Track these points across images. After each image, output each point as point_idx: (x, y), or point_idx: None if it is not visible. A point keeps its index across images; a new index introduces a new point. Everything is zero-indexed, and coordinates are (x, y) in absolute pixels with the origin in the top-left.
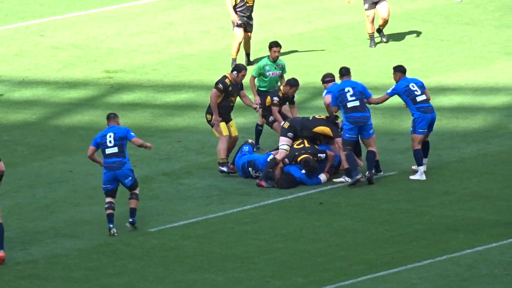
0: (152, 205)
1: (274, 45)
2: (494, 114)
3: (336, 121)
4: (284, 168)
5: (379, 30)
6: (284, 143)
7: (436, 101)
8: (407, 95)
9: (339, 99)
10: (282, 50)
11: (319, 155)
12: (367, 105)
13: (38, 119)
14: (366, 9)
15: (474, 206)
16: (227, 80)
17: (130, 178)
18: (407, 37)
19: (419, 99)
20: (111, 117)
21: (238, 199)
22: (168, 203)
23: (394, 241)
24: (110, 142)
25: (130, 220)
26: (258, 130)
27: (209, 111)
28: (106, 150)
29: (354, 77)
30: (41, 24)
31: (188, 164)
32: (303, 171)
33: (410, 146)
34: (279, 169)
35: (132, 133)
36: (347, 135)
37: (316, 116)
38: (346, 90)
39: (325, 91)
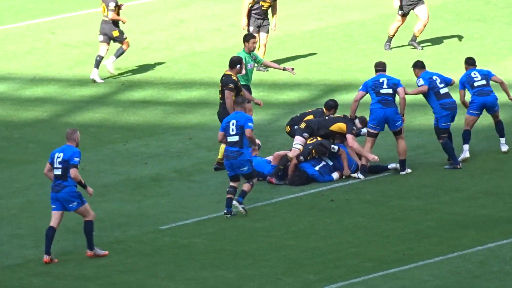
0: (164, 202)
1: (251, 37)
2: (506, 110)
3: (354, 120)
4: (302, 163)
5: (414, 39)
6: (298, 142)
7: None
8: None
9: (430, 86)
10: (294, 47)
11: (332, 146)
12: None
13: (49, 117)
14: (400, 14)
15: (485, 203)
16: (233, 77)
17: (246, 168)
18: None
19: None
20: (239, 101)
21: (249, 196)
22: (180, 201)
23: (405, 238)
24: (232, 130)
25: (237, 197)
26: None
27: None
28: (228, 138)
29: (364, 74)
30: (52, 21)
31: (199, 161)
32: (317, 168)
33: (421, 143)
34: (293, 166)
35: (250, 124)
36: (442, 123)
37: (332, 116)
38: (434, 78)
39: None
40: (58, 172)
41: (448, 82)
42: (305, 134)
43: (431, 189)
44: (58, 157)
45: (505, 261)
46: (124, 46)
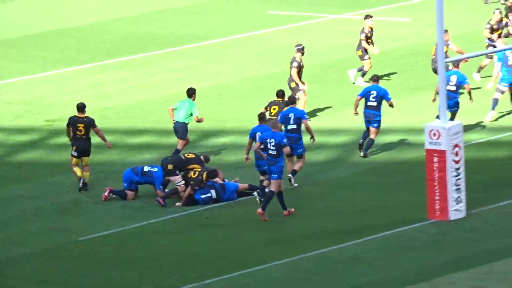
0: (80, 221)
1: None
2: (336, 149)
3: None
4: (194, 193)
5: None
6: (178, 180)
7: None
8: None
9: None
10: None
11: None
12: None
13: None
14: None
15: (322, 218)
16: (91, 117)
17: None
18: None
19: None
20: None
21: (146, 215)
22: (94, 218)
23: (264, 245)
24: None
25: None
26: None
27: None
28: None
29: (232, 123)
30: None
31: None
32: (202, 197)
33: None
34: (188, 193)
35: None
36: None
37: (185, 155)
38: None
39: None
40: (273, 152)
41: None
42: (177, 172)
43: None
44: (270, 142)
45: (335, 262)
46: (365, 67)
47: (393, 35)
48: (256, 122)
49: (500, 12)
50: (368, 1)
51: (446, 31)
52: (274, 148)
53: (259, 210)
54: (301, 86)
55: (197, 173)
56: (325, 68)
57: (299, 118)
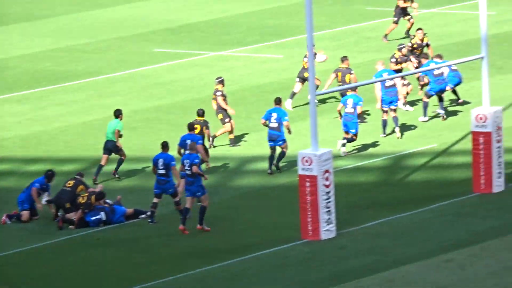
0: None
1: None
2: (218, 175)
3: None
4: (85, 216)
5: None
6: (73, 216)
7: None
8: None
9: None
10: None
11: (90, 191)
12: None
13: None
14: None
15: (206, 238)
16: None
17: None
18: None
19: None
20: None
21: (41, 237)
22: (4, 239)
23: (152, 263)
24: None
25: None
26: (100, 167)
27: None
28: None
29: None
30: None
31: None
32: (92, 218)
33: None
34: (79, 216)
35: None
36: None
37: (67, 185)
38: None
39: None
40: (189, 172)
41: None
42: (67, 204)
43: (170, 229)
44: (187, 163)
45: (217, 279)
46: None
47: (267, 70)
48: (157, 151)
49: (404, 47)
50: (244, 40)
51: (346, 57)
52: (189, 168)
53: (199, 226)
54: (230, 111)
55: (85, 198)
56: (207, 100)
57: (194, 143)
